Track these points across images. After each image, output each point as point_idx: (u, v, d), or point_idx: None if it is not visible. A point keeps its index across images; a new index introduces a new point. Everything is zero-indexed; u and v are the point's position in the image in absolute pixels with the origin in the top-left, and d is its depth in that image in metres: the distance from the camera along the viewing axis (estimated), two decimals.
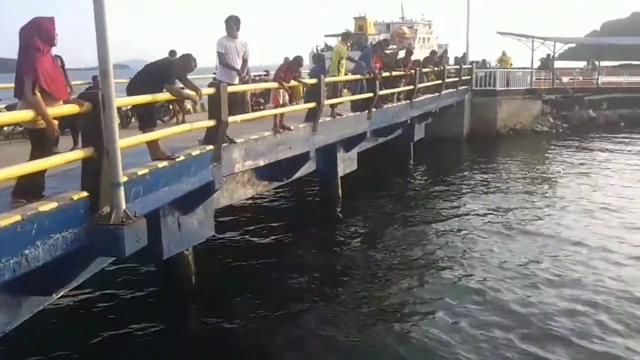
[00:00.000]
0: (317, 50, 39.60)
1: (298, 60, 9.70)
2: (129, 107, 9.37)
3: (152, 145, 6.03)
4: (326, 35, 49.66)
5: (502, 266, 9.23)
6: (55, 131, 4.52)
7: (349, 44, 12.47)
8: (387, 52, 15.91)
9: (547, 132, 24.91)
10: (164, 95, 6.24)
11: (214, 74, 11.50)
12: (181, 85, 6.61)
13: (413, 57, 16.75)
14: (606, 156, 19.71)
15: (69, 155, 4.62)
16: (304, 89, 10.66)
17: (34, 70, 4.37)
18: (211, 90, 6.92)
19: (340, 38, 12.90)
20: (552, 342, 6.69)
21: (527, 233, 11.06)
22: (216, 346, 6.84)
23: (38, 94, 4.37)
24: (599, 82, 28.88)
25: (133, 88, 6.11)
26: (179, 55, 12.42)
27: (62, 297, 5.25)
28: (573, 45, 40.74)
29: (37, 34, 4.47)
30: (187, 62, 6.46)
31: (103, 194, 4.71)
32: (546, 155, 20.62)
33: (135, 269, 8.96)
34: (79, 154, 4.65)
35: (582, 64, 32.35)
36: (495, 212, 12.63)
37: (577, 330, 6.94)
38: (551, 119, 25.96)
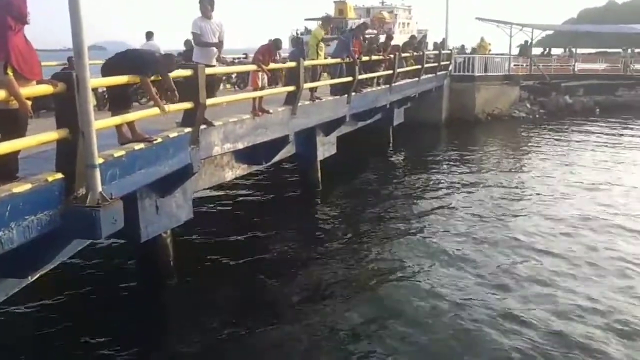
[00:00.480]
0: (297, 34, 39.35)
1: (277, 43, 9.66)
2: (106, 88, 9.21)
3: (129, 126, 5.96)
4: (306, 19, 49.25)
5: (478, 240, 9.60)
6: (28, 112, 4.44)
7: (328, 28, 12.38)
8: (367, 36, 15.90)
9: (524, 117, 25.23)
10: (136, 79, 6.14)
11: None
12: None
13: (393, 42, 16.77)
14: (581, 140, 20.16)
15: (43, 137, 4.54)
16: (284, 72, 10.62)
17: (6, 49, 4.28)
18: (188, 72, 6.85)
19: (320, 22, 12.81)
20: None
21: (504, 211, 11.47)
22: (194, 329, 6.85)
23: (10, 73, 4.28)
24: (576, 69, 29.27)
25: (108, 69, 6.01)
26: (155, 37, 12.41)
27: (37, 279, 5.20)
28: (551, 32, 41.13)
29: (9, 12, 4.35)
30: (171, 62, 6.36)
31: (78, 176, 4.66)
32: (523, 139, 20.98)
33: (113, 251, 8.90)
34: (53, 135, 4.58)
35: (559, 51, 32.71)
36: (472, 193, 12.99)
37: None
38: (528, 105, 26.29)
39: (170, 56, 6.47)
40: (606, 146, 18.90)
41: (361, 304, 7.44)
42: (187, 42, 11.70)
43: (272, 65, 9.52)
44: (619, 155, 17.53)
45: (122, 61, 6.13)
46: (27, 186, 4.27)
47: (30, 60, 4.52)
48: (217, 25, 8.31)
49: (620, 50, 31.37)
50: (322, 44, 11.76)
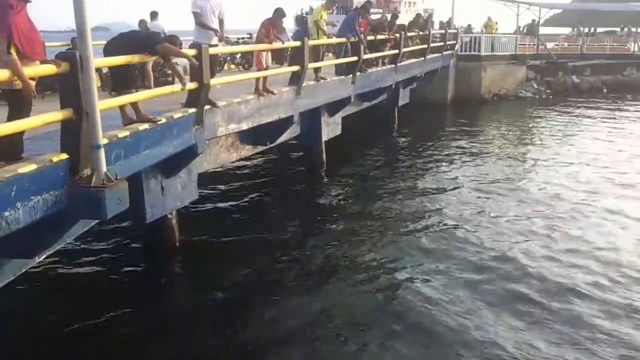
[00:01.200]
0: (302, 13, 38.96)
1: (280, 12, 9.35)
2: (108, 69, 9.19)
3: (133, 107, 5.95)
4: None
5: (488, 221, 9.61)
6: (32, 92, 4.43)
7: (332, 8, 12.19)
8: (373, 17, 15.73)
9: (530, 97, 25.05)
10: (143, 58, 6.13)
11: None
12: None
13: (398, 22, 16.58)
14: (587, 121, 20.00)
15: (47, 117, 4.53)
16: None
17: (8, 28, 4.25)
18: (192, 52, 6.81)
19: (324, 2, 12.59)
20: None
21: (511, 190, 11.47)
22: (201, 310, 6.90)
23: (13, 53, 4.26)
24: (583, 49, 28.94)
25: (111, 49, 5.98)
26: (159, 17, 12.31)
27: (44, 259, 5.24)
28: (559, 10, 40.55)
29: None
30: (173, 42, 6.30)
31: (83, 156, 4.67)
32: (529, 120, 20.84)
33: (119, 232, 8.95)
34: (57, 115, 4.57)
35: (567, 30, 32.33)
36: (478, 173, 12.92)
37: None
38: (535, 85, 26.07)
39: (173, 36, 6.42)
40: (612, 127, 18.78)
41: (364, 285, 7.45)
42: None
43: (276, 45, 9.42)
44: (624, 133, 17.44)
45: (125, 41, 6.10)
46: (32, 166, 4.28)
47: (33, 40, 4.50)
48: (218, 4, 8.22)
49: (617, 29, 31.05)
50: (322, 22, 11.50)
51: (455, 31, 24.43)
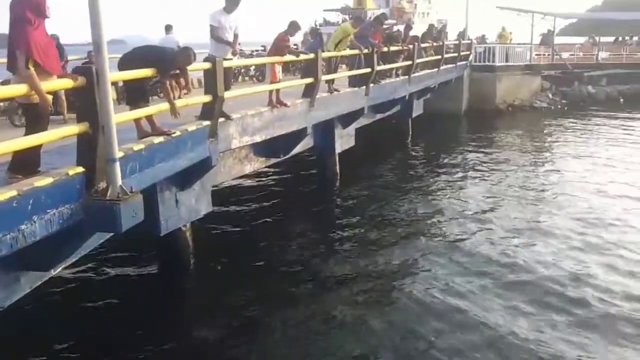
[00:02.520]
0: (316, 25, 39.18)
1: (294, 24, 9.40)
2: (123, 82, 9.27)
3: (148, 120, 6.00)
4: (325, 10, 49.06)
5: (501, 235, 9.49)
6: (49, 106, 4.48)
7: (359, 27, 12.06)
8: (390, 31, 15.69)
9: (545, 108, 24.86)
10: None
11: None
12: None
13: (412, 32, 16.59)
14: (604, 132, 19.71)
15: (64, 131, 4.58)
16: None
17: (27, 43, 4.31)
18: (207, 65, 6.86)
19: (351, 19, 12.31)
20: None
21: (528, 204, 11.33)
22: (215, 322, 6.90)
23: (32, 68, 4.32)
24: (599, 58, 28.69)
25: (125, 64, 6.03)
26: (174, 30, 12.42)
27: (60, 271, 5.27)
28: (574, 20, 40.37)
29: (28, 6, 4.38)
30: (188, 56, 6.32)
31: (99, 170, 4.70)
32: (544, 131, 20.64)
33: (134, 245, 8.98)
34: (74, 129, 4.62)
35: (582, 39, 32.07)
36: (494, 187, 12.80)
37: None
38: (550, 95, 25.88)
39: (188, 49, 6.46)
40: (628, 138, 18.52)
41: (378, 299, 7.41)
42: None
43: (288, 58, 9.46)
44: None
45: (138, 56, 6.14)
46: (48, 180, 4.32)
47: (50, 55, 4.55)
48: (234, 20, 8.30)
49: (627, 37, 30.77)
50: (347, 40, 11.49)
51: (469, 42, 24.38)
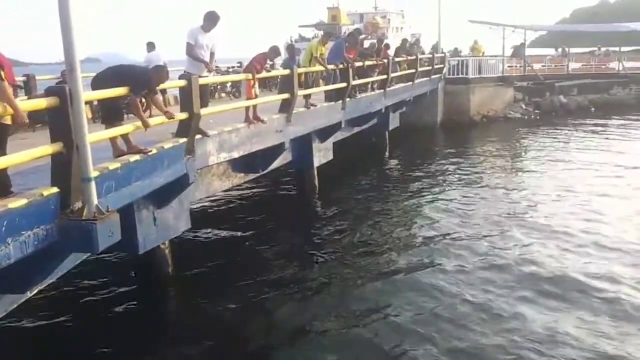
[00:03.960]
0: (291, 41, 39.43)
1: (275, 50, 9.72)
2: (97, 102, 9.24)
3: (124, 138, 5.98)
4: (300, 26, 49.51)
5: (475, 246, 9.47)
6: (25, 120, 4.43)
7: (328, 43, 12.14)
8: (366, 45, 15.89)
9: (519, 118, 25.29)
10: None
11: None
12: None
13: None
14: (576, 139, 20.19)
15: (37, 151, 4.55)
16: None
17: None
18: (182, 83, 6.87)
19: (320, 36, 12.43)
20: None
21: (502, 211, 11.49)
22: (194, 340, 6.83)
23: (6, 81, 4.29)
24: (569, 69, 29.39)
25: (98, 83, 6.02)
26: (157, 48, 12.39)
27: (36, 293, 5.19)
28: (544, 32, 41.32)
29: None
30: (159, 74, 6.34)
31: (74, 190, 4.67)
32: (518, 140, 21.03)
33: (112, 264, 8.88)
34: (47, 149, 4.59)
35: (552, 51, 32.82)
36: (469, 194, 12.98)
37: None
38: (523, 106, 26.35)
39: (160, 67, 6.47)
40: (600, 143, 18.99)
41: (359, 311, 7.41)
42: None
43: (265, 74, 9.56)
44: (612, 151, 17.60)
45: (112, 76, 6.13)
46: (22, 201, 4.28)
47: (6, 64, 4.53)
48: (211, 39, 8.33)
49: (595, 48, 31.64)
50: (321, 57, 11.60)
51: (443, 55, 24.78)
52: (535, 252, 9.12)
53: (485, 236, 10.01)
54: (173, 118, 6.63)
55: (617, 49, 31.65)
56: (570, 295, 7.52)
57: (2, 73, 4.29)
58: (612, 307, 7.13)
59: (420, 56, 20.00)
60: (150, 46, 12.16)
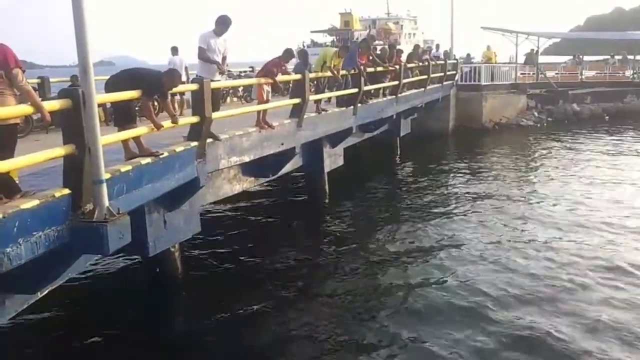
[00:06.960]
0: (304, 46, 39.58)
1: (289, 52, 9.76)
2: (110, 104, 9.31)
3: (136, 141, 6.01)
4: (312, 32, 49.71)
5: (487, 256, 9.38)
6: (49, 119, 4.53)
7: (343, 57, 12.02)
8: (378, 48, 15.83)
9: (531, 126, 25.11)
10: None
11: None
12: None
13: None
14: (588, 149, 19.93)
15: (50, 153, 4.58)
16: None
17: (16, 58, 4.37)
18: (194, 87, 6.90)
19: (338, 49, 12.23)
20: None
21: (515, 221, 11.37)
22: (203, 343, 6.84)
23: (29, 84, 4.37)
24: (583, 77, 29.18)
25: (111, 86, 6.06)
26: (180, 52, 12.53)
27: (47, 294, 5.22)
28: (557, 40, 41.09)
29: None
30: (172, 78, 6.38)
31: (85, 191, 4.69)
32: (531, 148, 20.83)
33: (122, 266, 8.93)
34: (60, 151, 4.62)
35: (565, 58, 32.62)
36: (481, 204, 12.85)
37: None
38: (536, 113, 26.17)
39: (172, 72, 6.50)
40: (613, 153, 18.79)
41: (368, 320, 7.38)
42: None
43: (278, 78, 9.56)
44: (627, 162, 17.41)
45: (125, 79, 6.16)
46: (34, 202, 4.30)
47: None
48: (223, 43, 8.37)
49: (608, 56, 31.41)
50: (329, 64, 11.56)
51: (455, 61, 24.70)
52: (554, 262, 9.03)
53: (500, 244, 9.93)
54: (177, 123, 6.62)
55: (631, 57, 31.39)
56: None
57: (23, 76, 4.34)
58: None
59: (432, 62, 19.89)
60: (174, 50, 12.44)
